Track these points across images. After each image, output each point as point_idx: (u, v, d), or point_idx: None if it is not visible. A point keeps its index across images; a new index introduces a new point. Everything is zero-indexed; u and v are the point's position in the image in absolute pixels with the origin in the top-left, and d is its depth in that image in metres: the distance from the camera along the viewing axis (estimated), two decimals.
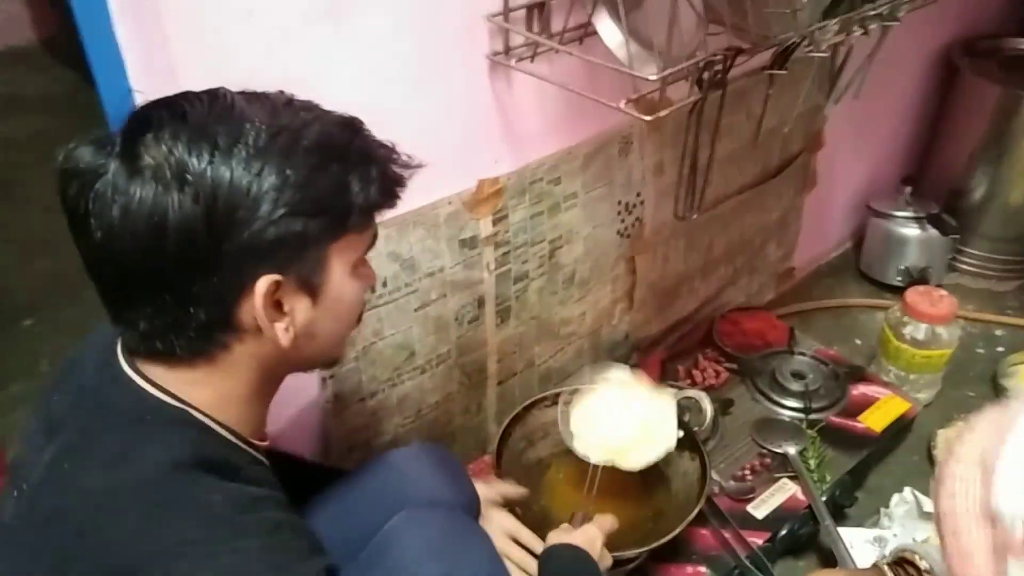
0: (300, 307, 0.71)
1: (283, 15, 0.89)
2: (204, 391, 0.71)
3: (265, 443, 0.80)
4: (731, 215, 1.67)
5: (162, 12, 0.81)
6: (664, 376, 1.61)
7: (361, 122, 0.74)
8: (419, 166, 0.77)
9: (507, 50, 1.09)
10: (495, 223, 1.23)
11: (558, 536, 1.00)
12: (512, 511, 1.12)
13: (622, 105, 0.94)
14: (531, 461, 1.32)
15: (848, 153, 1.92)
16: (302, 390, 1.14)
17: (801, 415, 1.51)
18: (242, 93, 0.70)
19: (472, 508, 1.01)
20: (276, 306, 0.69)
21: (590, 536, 1.00)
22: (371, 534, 0.85)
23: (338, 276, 0.72)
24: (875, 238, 2.00)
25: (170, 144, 0.63)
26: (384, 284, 1.14)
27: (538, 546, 1.05)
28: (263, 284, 0.66)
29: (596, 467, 1.14)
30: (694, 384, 1.60)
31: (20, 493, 0.70)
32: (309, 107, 0.72)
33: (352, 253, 0.74)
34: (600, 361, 1.58)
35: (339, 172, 0.69)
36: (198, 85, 0.70)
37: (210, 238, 0.63)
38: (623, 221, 1.44)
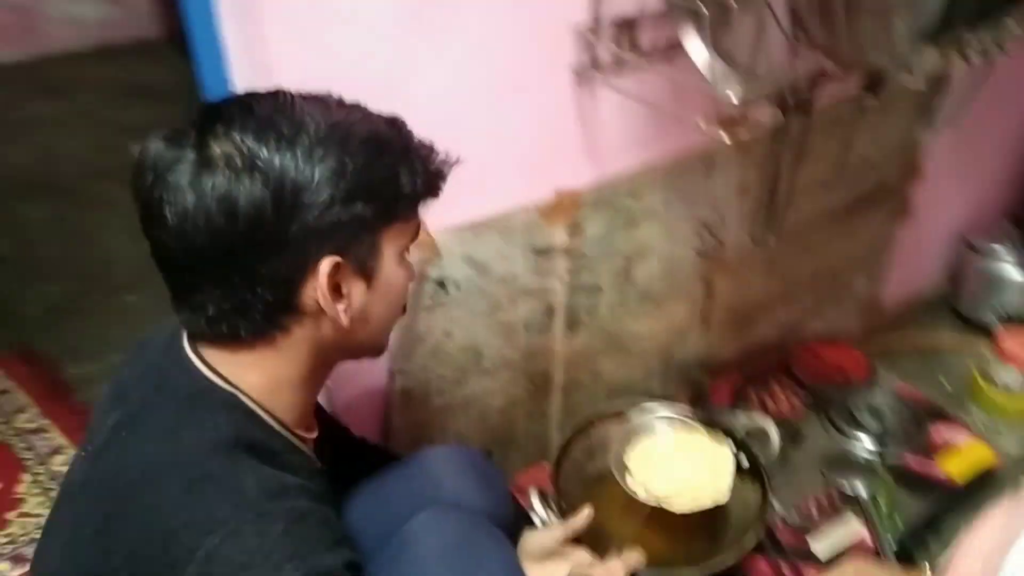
0: (356, 290, 0.76)
1: (377, 20, 0.93)
2: (258, 375, 0.75)
3: (312, 434, 0.84)
4: (817, 242, 1.63)
5: (264, 13, 0.86)
6: (736, 400, 1.58)
7: (403, 121, 0.78)
8: (457, 162, 0.81)
9: (594, 63, 1.10)
10: (570, 234, 1.24)
11: (580, 570, 1.00)
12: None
13: (703, 124, 0.94)
14: (590, 474, 1.32)
15: (949, 185, 1.84)
16: (371, 378, 1.18)
17: (875, 454, 1.46)
18: (300, 93, 0.75)
19: (502, 517, 0.99)
20: (336, 288, 0.74)
21: (611, 571, 0.99)
22: (398, 529, 0.86)
23: (389, 262, 0.77)
24: (971, 276, 1.91)
25: (240, 135, 0.68)
26: (457, 286, 1.16)
27: None
28: (326, 264, 0.71)
29: (644, 504, 1.14)
30: (766, 411, 1.57)
31: (87, 454, 0.76)
32: (357, 106, 0.77)
33: (401, 240, 0.78)
34: (669, 378, 1.57)
35: (390, 163, 0.74)
36: (293, 83, 0.75)
37: (278, 220, 0.68)
38: (702, 240, 1.43)
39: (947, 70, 1.09)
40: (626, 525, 1.18)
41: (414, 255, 0.85)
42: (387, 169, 0.74)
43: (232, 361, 0.74)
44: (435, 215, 0.86)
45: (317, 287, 0.72)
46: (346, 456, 0.99)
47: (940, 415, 1.55)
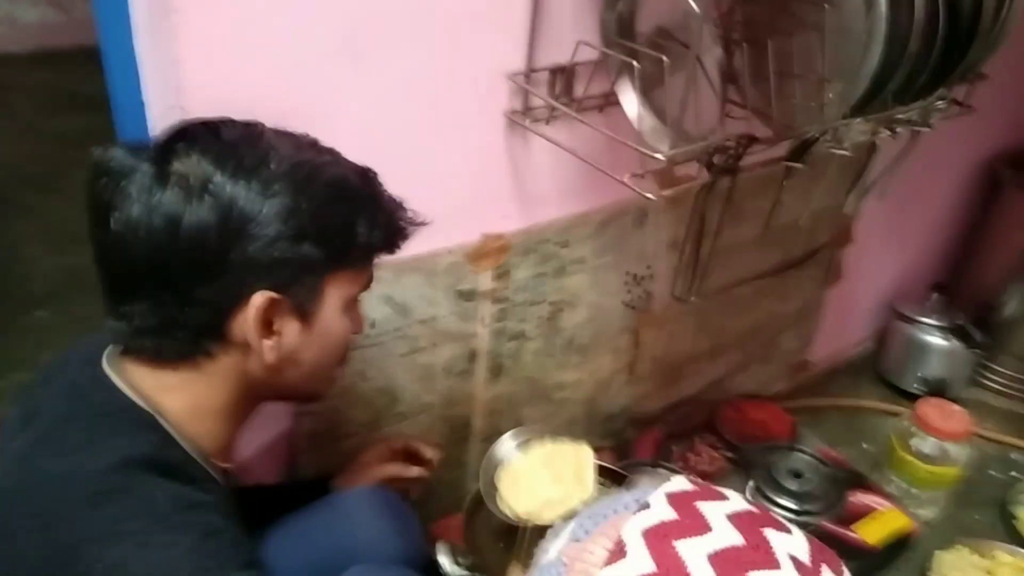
0: (290, 330, 0.75)
1: (299, 47, 0.90)
2: (180, 398, 0.74)
3: (229, 465, 0.81)
4: (746, 301, 1.63)
5: (180, 31, 0.83)
6: (658, 455, 1.57)
7: (375, 174, 0.79)
8: (423, 223, 0.83)
9: (526, 110, 1.09)
10: (496, 278, 1.21)
11: None
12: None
13: (626, 179, 0.93)
14: (504, 526, 1.28)
15: (878, 252, 1.87)
16: (276, 421, 1.12)
17: (794, 517, 1.46)
18: (275, 129, 0.75)
19: (416, 561, 0.98)
20: (266, 324, 0.72)
21: None
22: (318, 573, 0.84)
23: (330, 308, 0.77)
24: (897, 342, 1.94)
25: (200, 157, 0.68)
26: (372, 326, 1.12)
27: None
28: (259, 298, 0.71)
29: (525, 527, 1.10)
30: (687, 467, 1.56)
31: None
32: (332, 152, 0.78)
33: (347, 289, 0.78)
34: (593, 430, 1.55)
35: (347, 211, 0.75)
36: (203, 106, 0.74)
37: (219, 246, 0.68)
38: (631, 292, 1.42)
39: (875, 140, 1.10)
40: (525, 555, 1.13)
41: (362, 307, 0.84)
42: (344, 216, 0.75)
43: (154, 381, 0.73)
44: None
45: (246, 319, 0.71)
46: (252, 499, 0.95)
47: (859, 481, 1.56)
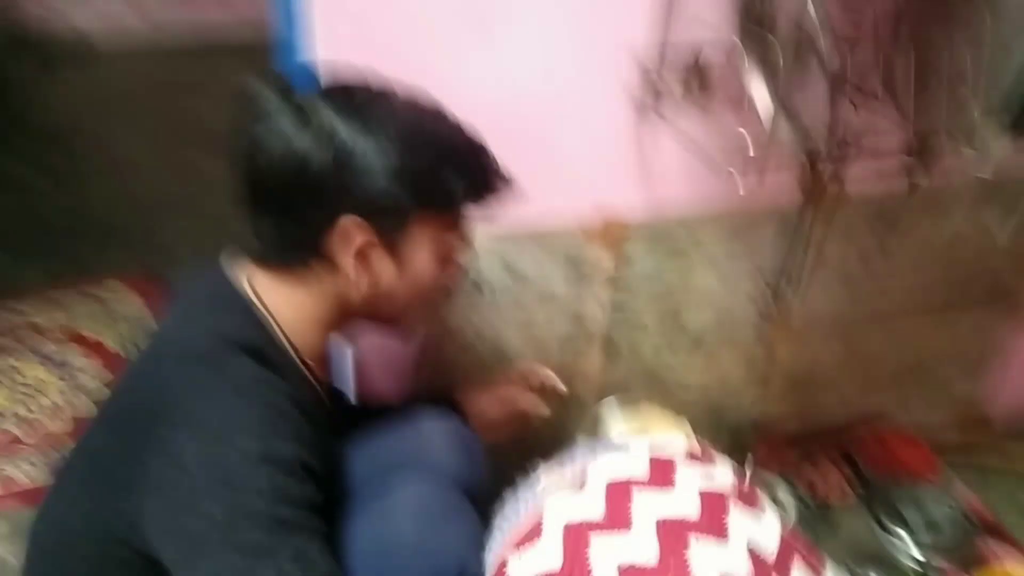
0: (382, 264, 0.87)
1: (429, 17, 1.01)
2: (288, 305, 0.88)
3: (324, 372, 0.94)
4: (910, 334, 1.53)
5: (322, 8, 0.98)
6: (780, 471, 1.52)
7: (479, 138, 0.89)
8: (513, 185, 0.91)
9: (655, 95, 1.12)
10: (616, 263, 1.26)
11: None
12: None
13: (724, 172, 0.94)
14: None
15: None
16: (397, 361, 1.25)
17: (915, 560, 1.35)
18: (408, 96, 0.87)
19: (476, 487, 1.03)
20: (361, 253, 0.85)
21: None
22: (378, 477, 0.95)
23: (418, 248, 0.87)
24: None
25: (332, 114, 0.82)
26: (492, 292, 1.22)
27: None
28: (346, 220, 0.83)
29: None
30: (812, 490, 1.50)
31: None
32: (453, 122, 0.88)
33: (434, 232, 0.88)
34: (719, 437, 1.53)
35: (436, 158, 0.85)
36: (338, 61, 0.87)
37: (332, 180, 0.81)
38: (767, 302, 1.39)
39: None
40: None
41: (459, 259, 0.94)
42: (432, 161, 0.84)
43: (270, 287, 0.87)
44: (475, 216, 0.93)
45: (339, 241, 0.83)
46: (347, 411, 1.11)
47: (998, 532, 1.42)
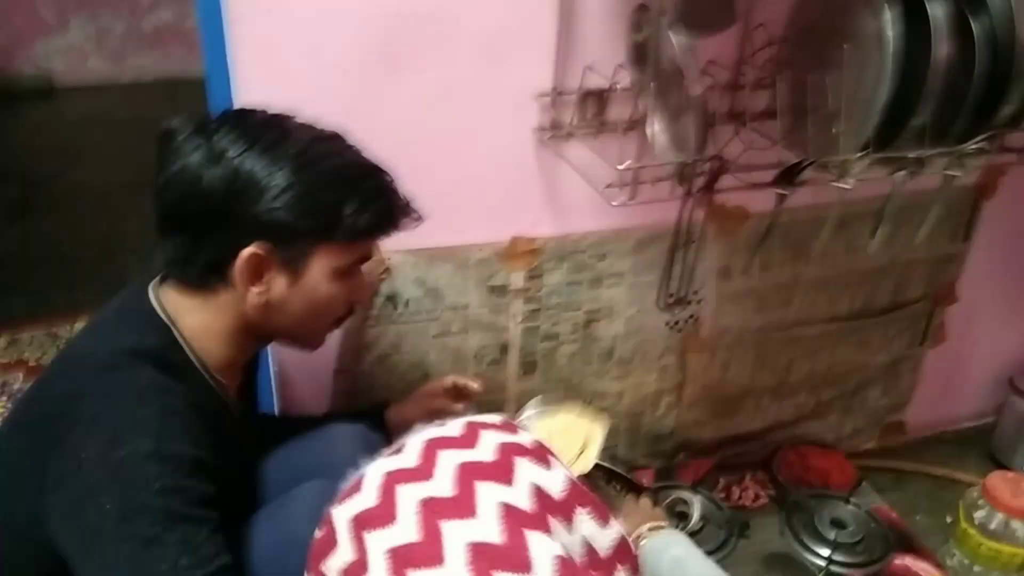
0: (277, 283, 0.92)
1: (341, 56, 1.08)
2: (193, 317, 0.93)
3: (230, 382, 0.99)
4: (816, 342, 1.61)
5: (235, 37, 1.05)
6: (701, 482, 1.58)
7: (386, 173, 0.95)
8: (419, 220, 0.98)
9: (553, 127, 1.20)
10: (528, 279, 1.33)
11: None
12: None
13: (601, 189, 1.02)
14: None
15: (993, 318, 1.76)
16: (317, 377, 1.31)
17: (823, 568, 1.41)
18: (303, 121, 0.93)
19: None
20: (257, 273, 0.90)
21: None
22: (288, 483, 1.00)
23: (317, 272, 0.92)
24: (1010, 418, 1.79)
25: (226, 135, 0.88)
26: (406, 304, 1.28)
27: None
28: (247, 251, 0.88)
29: None
30: (727, 499, 1.56)
31: None
32: (347, 146, 0.94)
33: (335, 259, 0.93)
34: (637, 446, 1.60)
35: (338, 194, 0.91)
36: (258, 103, 0.93)
37: (225, 201, 0.86)
38: (674, 314, 1.46)
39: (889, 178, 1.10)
40: None
41: (367, 274, 1.00)
42: (334, 198, 0.89)
43: (177, 302, 0.93)
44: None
45: (238, 266, 0.88)
46: (270, 428, 1.16)
47: (911, 545, 1.48)
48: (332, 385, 1.32)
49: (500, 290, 1.33)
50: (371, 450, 1.10)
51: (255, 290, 0.91)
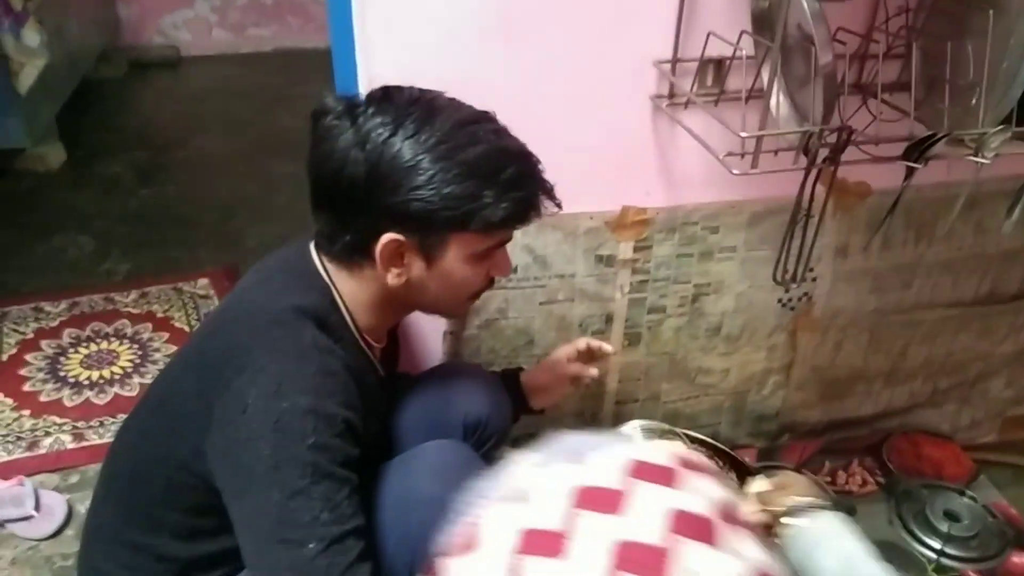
0: (416, 265, 0.95)
1: (461, 24, 1.10)
2: (346, 285, 0.98)
3: (378, 344, 1.05)
4: (938, 328, 1.54)
5: (360, 12, 1.08)
6: (806, 464, 1.55)
7: (528, 159, 0.95)
8: (559, 208, 0.98)
9: (670, 96, 1.18)
10: (637, 250, 1.32)
11: None
12: None
13: (721, 157, 1.00)
14: None
15: None
16: (428, 339, 1.34)
17: (934, 560, 1.36)
18: (451, 101, 0.93)
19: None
20: (396, 257, 0.93)
21: None
22: (416, 437, 1.08)
23: (453, 256, 0.94)
24: None
25: (372, 117, 0.89)
26: (515, 271, 1.29)
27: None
28: (386, 238, 0.91)
29: None
30: (833, 484, 1.52)
31: None
32: (496, 133, 0.93)
33: (470, 247, 0.95)
34: (741, 425, 1.57)
35: (477, 186, 0.89)
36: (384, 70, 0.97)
37: (366, 188, 0.89)
38: (788, 291, 1.43)
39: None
40: None
41: (503, 256, 1.01)
42: (471, 191, 0.89)
43: (333, 270, 0.98)
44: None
45: (383, 251, 0.92)
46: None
47: None
48: (441, 346, 1.35)
49: (608, 260, 1.32)
50: (496, 403, 1.16)
51: (395, 271, 0.94)
